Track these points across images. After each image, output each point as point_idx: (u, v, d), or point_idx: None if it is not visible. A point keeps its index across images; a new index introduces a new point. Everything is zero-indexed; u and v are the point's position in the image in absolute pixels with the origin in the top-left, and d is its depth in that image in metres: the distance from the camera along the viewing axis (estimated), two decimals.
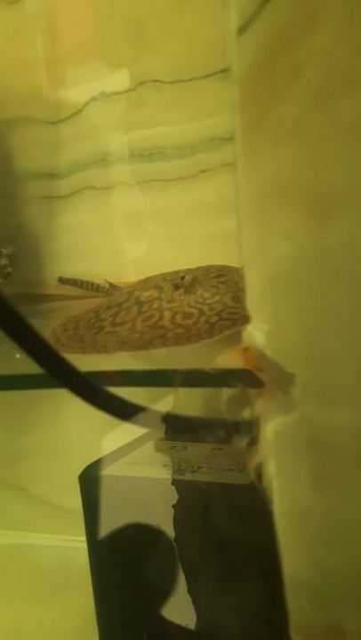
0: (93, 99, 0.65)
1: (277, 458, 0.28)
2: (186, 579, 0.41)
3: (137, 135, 0.63)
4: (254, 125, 0.27)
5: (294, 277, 0.26)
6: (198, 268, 0.48)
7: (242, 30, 0.27)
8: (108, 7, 0.63)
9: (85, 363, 0.37)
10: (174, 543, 0.42)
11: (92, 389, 0.36)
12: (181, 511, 0.42)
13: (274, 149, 0.27)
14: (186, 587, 0.41)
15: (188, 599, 0.40)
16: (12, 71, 0.68)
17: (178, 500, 0.42)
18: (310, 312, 0.26)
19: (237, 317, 0.39)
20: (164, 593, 0.42)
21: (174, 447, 0.47)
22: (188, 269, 0.47)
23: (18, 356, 0.44)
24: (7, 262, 0.64)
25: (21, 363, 0.45)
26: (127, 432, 0.48)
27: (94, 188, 0.67)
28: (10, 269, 0.63)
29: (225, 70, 0.58)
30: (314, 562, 0.26)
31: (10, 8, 0.67)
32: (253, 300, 0.28)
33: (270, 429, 0.28)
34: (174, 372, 0.35)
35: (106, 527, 0.45)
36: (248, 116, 0.28)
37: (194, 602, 0.41)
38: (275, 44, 0.26)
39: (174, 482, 0.42)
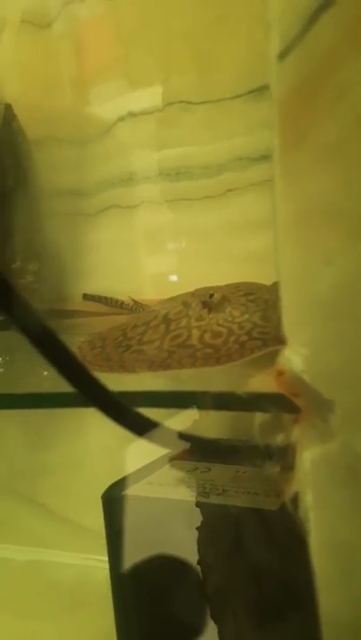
0: (121, 119, 0.66)
1: (315, 488, 0.27)
2: (210, 604, 0.40)
3: (164, 155, 0.64)
4: (294, 146, 0.27)
5: (335, 302, 0.26)
6: (227, 286, 0.48)
7: (284, 53, 0.27)
8: (136, 27, 0.64)
9: (112, 382, 0.37)
10: (199, 567, 0.41)
11: (121, 409, 0.35)
12: (207, 535, 0.41)
13: (314, 171, 0.26)
14: (209, 614, 0.40)
15: (213, 631, 0.39)
16: (40, 92, 0.70)
17: (203, 523, 0.41)
18: (351, 337, 0.25)
19: (268, 337, 0.39)
20: (188, 622, 0.40)
21: (197, 468, 0.46)
22: (216, 287, 0.47)
23: (45, 373, 0.44)
24: (33, 279, 0.65)
25: (48, 380, 0.45)
26: (148, 450, 0.48)
27: (120, 207, 0.67)
28: (36, 285, 0.64)
29: (253, 91, 0.59)
30: (356, 599, 0.25)
31: (40, 32, 0.68)
32: (291, 322, 0.28)
33: (307, 458, 0.27)
34: (204, 393, 0.34)
35: (129, 548, 0.44)
36: (287, 136, 0.28)
37: (219, 629, 0.40)
38: (317, 66, 0.26)
39: (199, 504, 0.41)
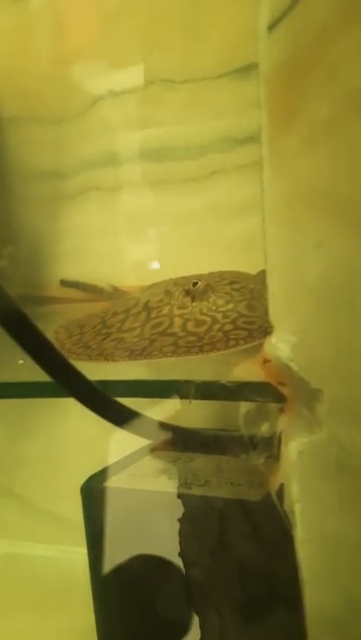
0: (101, 97, 0.63)
1: (301, 479, 0.26)
2: (192, 596, 0.40)
3: (146, 135, 0.62)
4: (283, 126, 0.26)
5: (326, 288, 0.25)
6: (211, 274, 0.47)
7: (273, 24, 0.25)
8: (118, 3, 0.62)
9: (91, 370, 0.35)
10: (180, 559, 0.40)
11: (100, 399, 0.34)
12: (189, 526, 0.40)
13: (304, 152, 0.25)
14: (192, 607, 0.39)
15: (194, 621, 0.38)
16: (16, 68, 0.67)
17: (184, 515, 0.40)
18: (342, 325, 0.24)
19: (253, 328, 0.38)
20: (169, 615, 0.40)
21: (180, 459, 0.45)
22: (200, 275, 0.45)
23: (21, 361, 0.43)
24: (7, 263, 0.63)
25: (24, 369, 0.43)
26: (128, 441, 0.47)
27: (99, 189, 0.65)
28: (11, 270, 0.62)
29: (238, 70, 0.57)
30: (341, 593, 0.24)
31: (15, 5, 0.65)
32: (278, 310, 0.27)
33: (294, 448, 0.26)
34: (188, 383, 0.33)
35: (109, 540, 0.44)
36: (276, 116, 0.26)
37: (200, 622, 0.39)
38: (308, 42, 0.25)
39: (180, 495, 0.41)
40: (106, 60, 0.63)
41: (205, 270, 0.48)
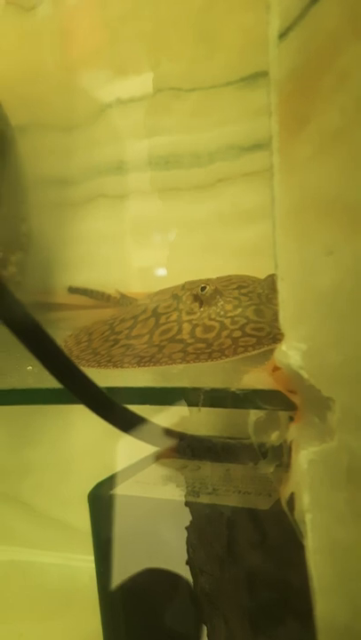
0: (109, 105, 0.64)
1: (312, 488, 0.26)
2: (199, 607, 0.39)
3: (153, 143, 0.62)
4: (294, 132, 0.26)
5: (336, 295, 0.24)
6: (218, 279, 0.46)
7: (284, 33, 0.26)
8: (125, 11, 0.62)
9: (99, 377, 0.35)
10: (187, 567, 0.40)
11: (110, 405, 0.34)
12: (197, 534, 0.40)
13: (315, 160, 0.25)
14: (199, 616, 0.39)
15: (203, 631, 0.38)
16: (25, 76, 0.67)
17: (192, 523, 0.40)
18: (353, 332, 0.24)
19: (262, 335, 0.37)
20: (176, 624, 0.40)
21: (186, 467, 0.45)
22: (208, 279, 0.45)
23: (29, 368, 0.43)
24: (16, 270, 0.63)
25: (32, 375, 0.43)
26: (135, 448, 0.46)
27: (107, 196, 0.65)
28: (19, 277, 0.62)
29: (245, 79, 0.57)
30: (352, 603, 0.24)
31: (23, 14, 0.66)
32: (289, 316, 0.27)
33: (304, 457, 0.26)
34: (196, 390, 0.33)
35: (116, 548, 0.43)
36: (287, 123, 0.26)
37: (208, 632, 0.39)
38: (319, 50, 0.25)
39: (188, 503, 0.40)
40: (114, 68, 0.64)
41: (212, 277, 0.48)
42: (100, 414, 0.33)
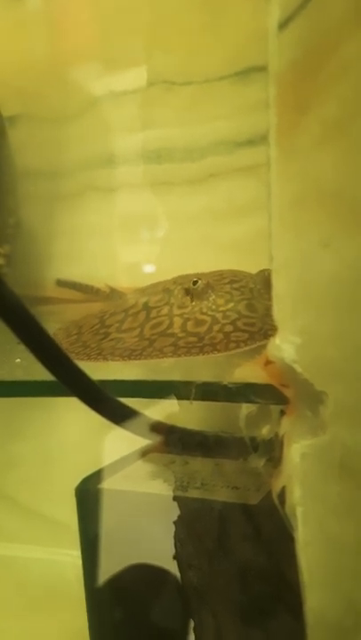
0: (101, 98, 0.63)
1: (304, 482, 0.26)
2: (187, 599, 0.39)
3: (145, 136, 0.61)
4: (292, 126, 0.26)
5: (332, 289, 0.24)
6: (210, 273, 0.46)
7: (284, 25, 0.25)
8: (118, 4, 0.61)
9: (89, 371, 0.35)
10: (175, 562, 0.40)
11: (101, 397, 0.33)
12: (185, 529, 0.40)
13: (313, 152, 0.25)
14: (187, 611, 0.39)
15: (190, 627, 0.38)
16: (16, 67, 0.66)
17: (180, 517, 0.40)
18: (348, 326, 0.24)
19: (254, 330, 0.37)
20: (163, 620, 0.39)
21: (175, 461, 0.45)
22: (200, 274, 0.45)
23: (18, 360, 0.42)
24: (4, 262, 0.62)
25: (20, 368, 0.43)
26: (123, 442, 0.46)
27: (98, 189, 0.65)
28: (7, 269, 0.61)
29: (239, 73, 0.57)
30: (343, 598, 0.24)
31: (14, 3, 0.65)
32: (283, 309, 0.27)
33: (296, 451, 0.26)
34: (188, 383, 0.33)
35: (103, 543, 0.43)
36: (285, 116, 0.26)
37: (195, 626, 0.39)
38: (319, 41, 0.25)
39: (176, 498, 0.40)
40: (107, 60, 0.63)
41: (204, 271, 0.48)
42: (91, 406, 0.33)
